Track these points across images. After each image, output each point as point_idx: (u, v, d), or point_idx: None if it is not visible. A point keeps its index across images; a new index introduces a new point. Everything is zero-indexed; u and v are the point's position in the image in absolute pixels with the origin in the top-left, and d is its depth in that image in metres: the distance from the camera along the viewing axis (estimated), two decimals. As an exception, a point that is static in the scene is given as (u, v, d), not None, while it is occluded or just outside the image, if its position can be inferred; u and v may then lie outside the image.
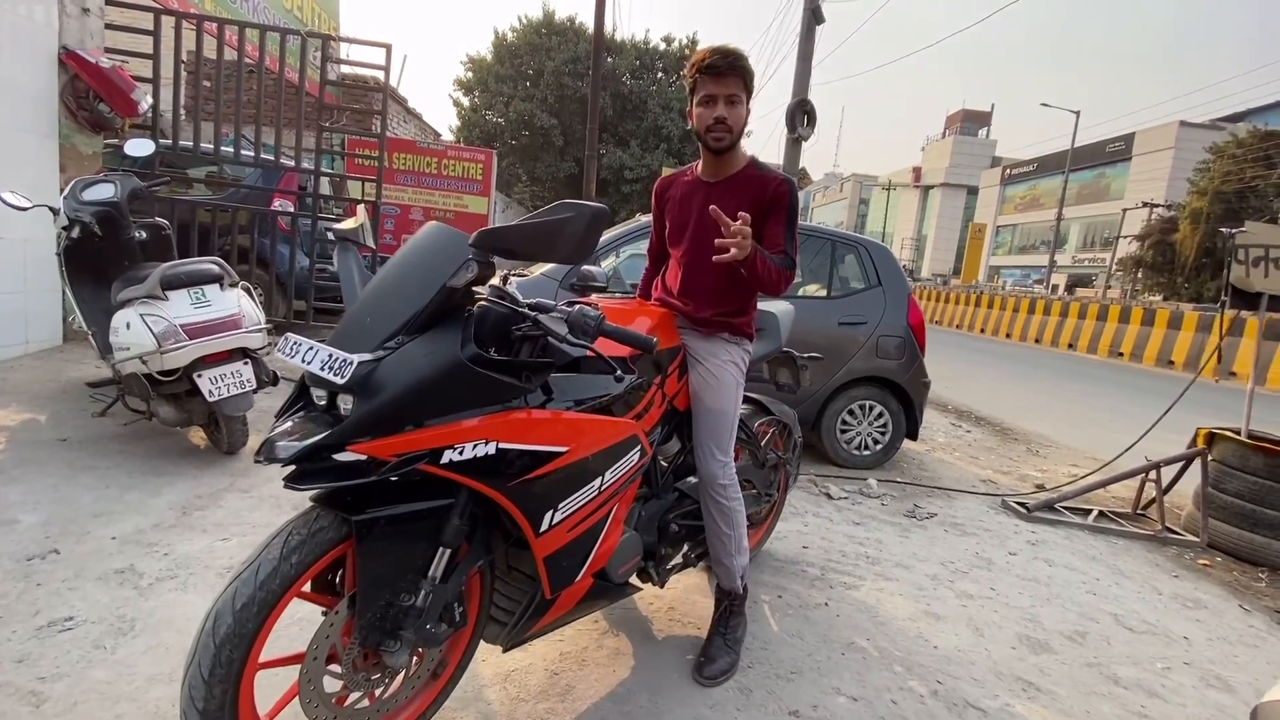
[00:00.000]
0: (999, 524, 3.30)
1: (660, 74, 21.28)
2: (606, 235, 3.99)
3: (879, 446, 3.96)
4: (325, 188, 6.14)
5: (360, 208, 5.30)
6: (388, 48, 4.09)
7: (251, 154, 5.05)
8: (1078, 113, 30.78)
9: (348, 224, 1.40)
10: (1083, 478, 3.90)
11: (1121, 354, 13.51)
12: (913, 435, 4.00)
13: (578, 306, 1.20)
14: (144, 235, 3.25)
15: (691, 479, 1.89)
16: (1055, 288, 37.29)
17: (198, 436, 3.15)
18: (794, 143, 9.13)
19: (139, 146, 3.52)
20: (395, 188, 8.05)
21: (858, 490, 3.50)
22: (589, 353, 1.31)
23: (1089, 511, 3.53)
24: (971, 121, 65.46)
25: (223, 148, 5.05)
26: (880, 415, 3.92)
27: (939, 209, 61.86)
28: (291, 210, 5.42)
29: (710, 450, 1.75)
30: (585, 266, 3.64)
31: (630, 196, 19.76)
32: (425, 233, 1.29)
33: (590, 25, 11.77)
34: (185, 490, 2.55)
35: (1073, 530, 3.34)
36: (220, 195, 5.30)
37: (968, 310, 19.18)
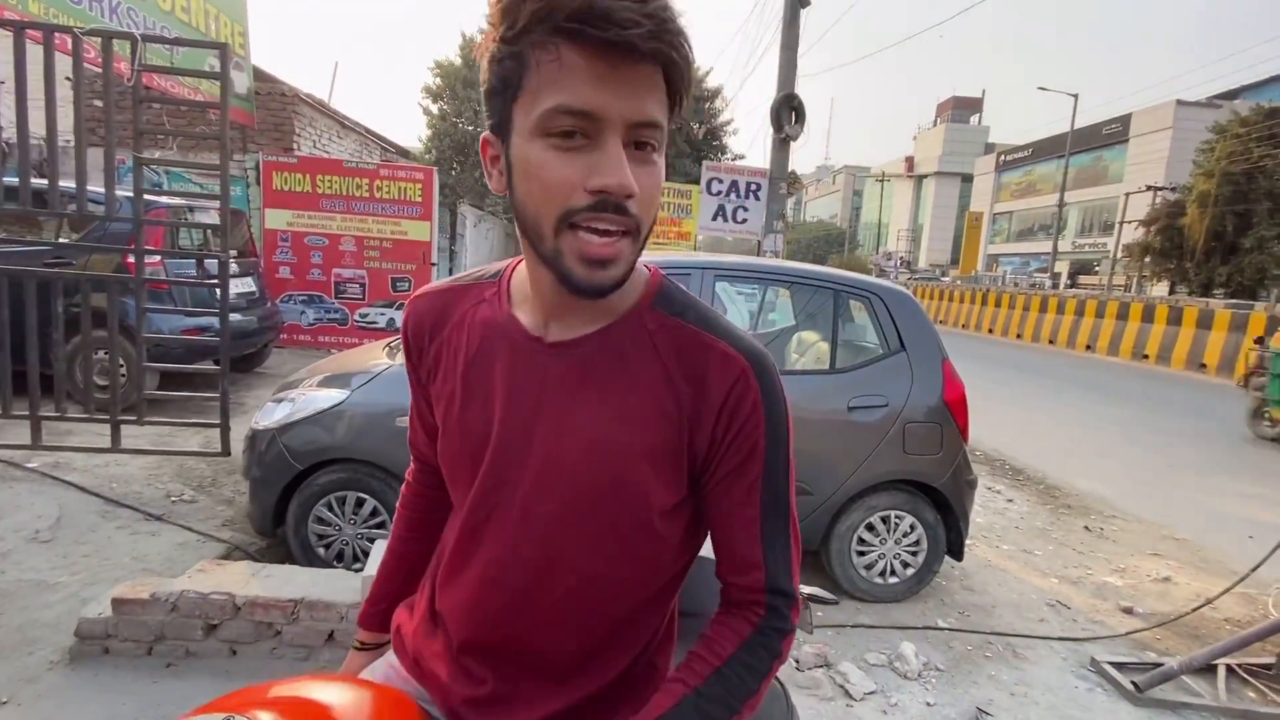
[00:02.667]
0: (1103, 719, 2.23)
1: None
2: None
3: (910, 571, 2.89)
4: (213, 219, 5.06)
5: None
6: (223, 47, 3.04)
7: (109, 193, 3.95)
8: (1076, 95, 29.67)
9: None
10: (1196, 609, 2.83)
11: (1147, 356, 12.47)
12: (956, 554, 2.93)
13: None
14: None
15: None
16: (1058, 276, 36.24)
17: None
18: (782, 143, 8.06)
19: None
20: (322, 215, 6.97)
21: (888, 664, 2.42)
22: None
23: (1213, 669, 2.47)
24: (963, 108, 64.48)
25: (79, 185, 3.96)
26: (911, 529, 2.86)
27: (934, 198, 60.80)
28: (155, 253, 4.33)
29: None
30: None
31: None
32: None
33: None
34: None
35: (1201, 718, 2.27)
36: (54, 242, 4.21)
37: (973, 309, 18.15)
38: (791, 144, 8.12)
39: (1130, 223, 30.83)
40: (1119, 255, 31.82)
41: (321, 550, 2.69)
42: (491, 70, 0.59)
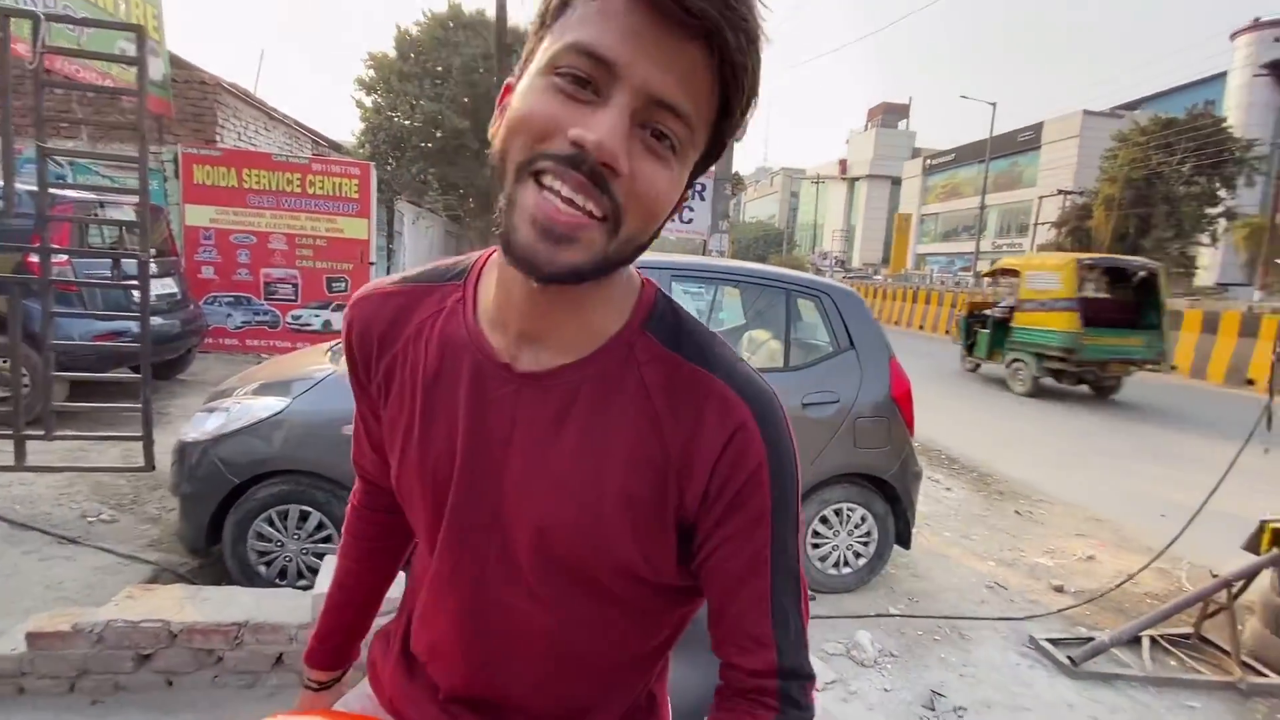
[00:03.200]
0: (1045, 693, 2.36)
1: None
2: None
3: (862, 561, 2.98)
4: (128, 215, 4.70)
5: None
6: (139, 29, 2.82)
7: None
8: (994, 104, 31.52)
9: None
10: (1118, 585, 3.03)
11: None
12: (904, 543, 3.04)
13: None
14: None
15: None
16: (980, 274, 38.38)
17: None
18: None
19: None
20: (250, 211, 6.58)
21: (845, 653, 2.49)
22: None
23: (1139, 641, 2.66)
24: (892, 113, 67.29)
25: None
26: (863, 521, 2.95)
27: (866, 200, 63.14)
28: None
29: None
30: None
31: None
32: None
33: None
34: None
35: (1132, 688, 2.44)
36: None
37: (904, 306, 18.94)
38: (735, 145, 8.24)
39: (1043, 224, 32.95)
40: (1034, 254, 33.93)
41: (262, 568, 2.54)
42: (538, 14, 0.51)
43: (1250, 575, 2.59)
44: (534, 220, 0.47)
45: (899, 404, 2.91)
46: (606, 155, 0.45)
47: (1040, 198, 34.78)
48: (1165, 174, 26.18)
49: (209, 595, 1.96)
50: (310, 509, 2.52)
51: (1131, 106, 40.88)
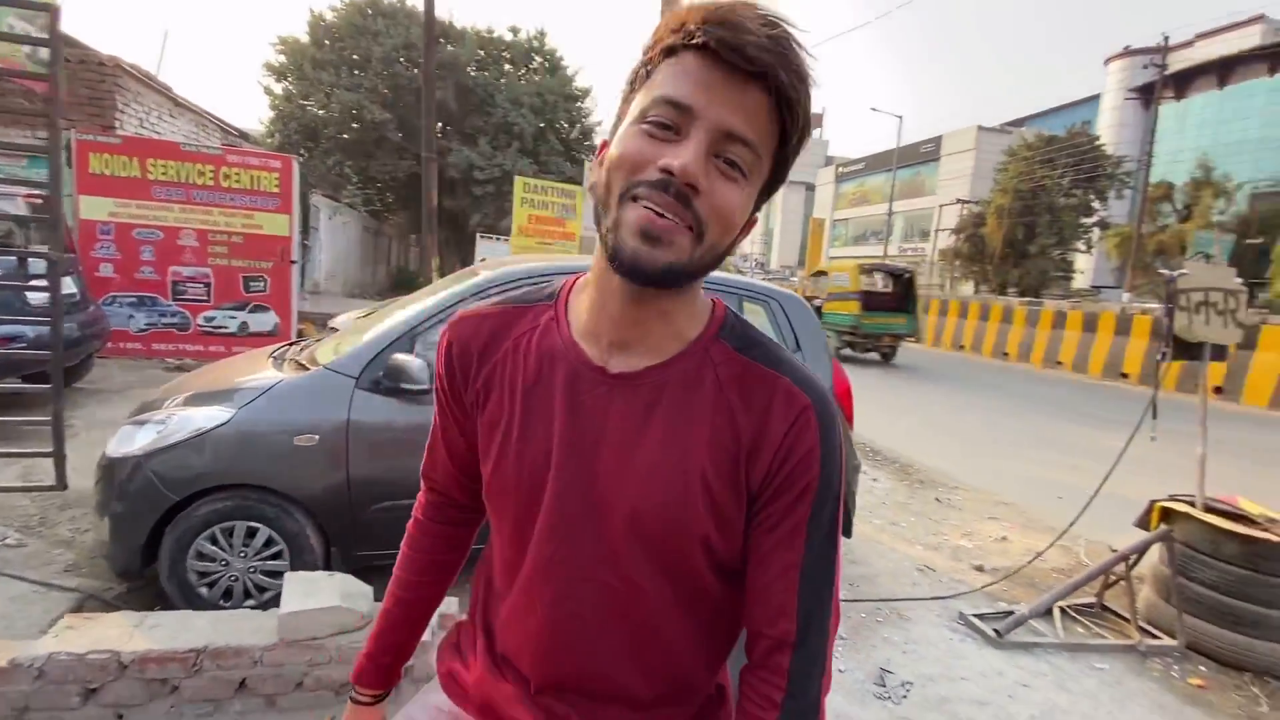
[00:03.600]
0: (977, 663, 2.60)
1: (508, 66, 19.69)
2: (426, 302, 2.79)
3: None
4: (19, 208, 4.27)
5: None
6: (50, 8, 2.57)
7: None
8: (900, 117, 33.58)
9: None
10: (1029, 562, 3.36)
11: (963, 346, 14.40)
12: (846, 531, 3.24)
13: None
14: None
15: None
16: (810, 274, 40.92)
17: None
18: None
19: None
20: (156, 205, 6.08)
21: (802, 639, 2.64)
22: None
23: (1051, 612, 2.97)
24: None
25: None
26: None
27: (783, 205, 65.51)
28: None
29: None
30: (396, 356, 2.51)
31: (483, 199, 18.04)
32: None
33: (421, 6, 10.15)
34: None
35: (1050, 654, 2.72)
36: None
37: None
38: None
39: (944, 231, 35.40)
40: (935, 259, 36.40)
41: (204, 590, 2.39)
42: (631, 76, 0.62)
43: (1143, 549, 2.95)
44: (637, 228, 0.57)
45: (841, 401, 3.10)
46: (690, 177, 0.55)
47: (941, 206, 37.34)
48: (1048, 186, 28.75)
49: (159, 621, 1.84)
50: (259, 525, 2.40)
51: (1019, 124, 44.60)
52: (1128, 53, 37.15)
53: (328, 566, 2.49)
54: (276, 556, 2.44)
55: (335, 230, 15.68)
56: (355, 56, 17.98)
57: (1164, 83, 25.60)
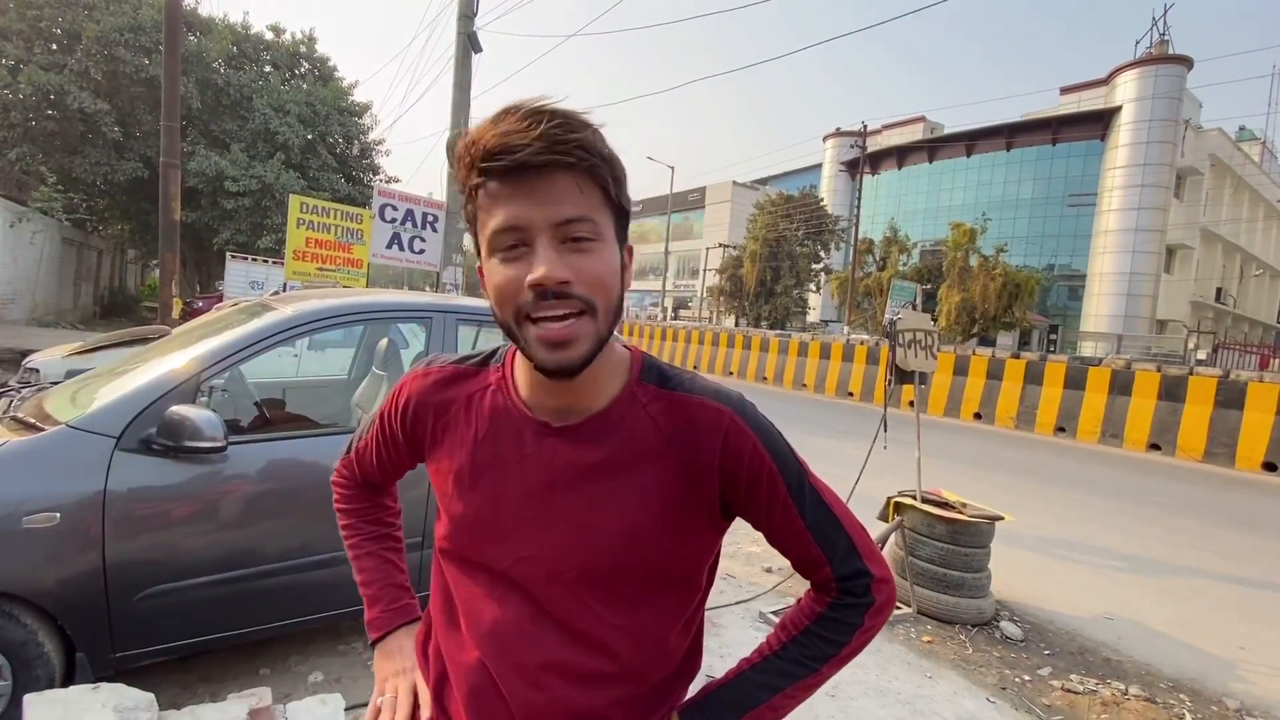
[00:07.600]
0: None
1: (269, 68, 17.61)
2: (212, 343, 2.43)
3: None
4: None
5: None
6: None
7: None
8: (673, 167, 37.18)
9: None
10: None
11: (731, 373, 16.30)
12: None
13: None
14: None
15: None
16: (667, 309, 44.49)
17: None
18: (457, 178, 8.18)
19: None
20: None
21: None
22: None
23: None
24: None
25: None
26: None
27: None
28: None
29: None
30: (175, 409, 2.04)
31: (235, 214, 15.72)
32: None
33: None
34: None
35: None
36: None
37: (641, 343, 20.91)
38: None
39: (710, 270, 39.80)
40: (704, 295, 40.69)
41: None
42: (465, 214, 0.72)
43: (885, 538, 3.71)
44: (542, 342, 0.66)
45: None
46: (556, 279, 0.64)
47: (706, 248, 41.94)
48: (787, 237, 34.07)
49: None
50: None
51: (764, 182, 52.20)
52: (839, 133, 45.68)
53: (69, 680, 1.98)
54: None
55: (18, 241, 12.41)
56: (58, 31, 14.62)
57: (865, 160, 32.15)
